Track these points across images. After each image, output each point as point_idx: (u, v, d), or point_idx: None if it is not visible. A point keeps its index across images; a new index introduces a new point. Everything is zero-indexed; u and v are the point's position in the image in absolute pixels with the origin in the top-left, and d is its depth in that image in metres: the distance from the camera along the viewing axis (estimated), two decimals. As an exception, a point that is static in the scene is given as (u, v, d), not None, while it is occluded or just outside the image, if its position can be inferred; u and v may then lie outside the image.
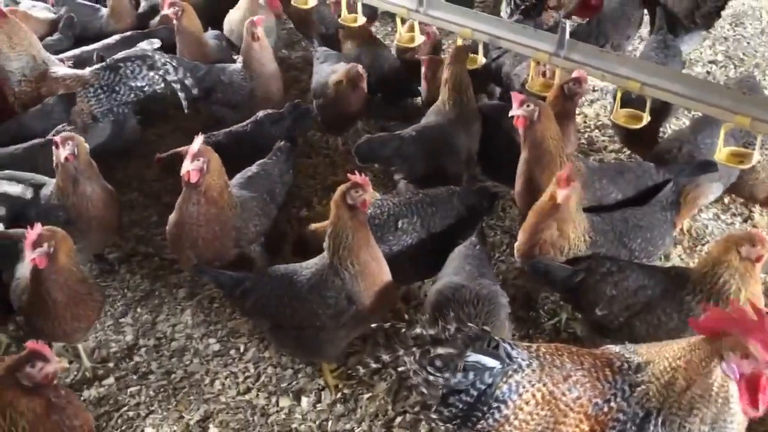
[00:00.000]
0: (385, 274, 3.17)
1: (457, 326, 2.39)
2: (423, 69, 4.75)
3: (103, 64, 4.68)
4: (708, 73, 6.05)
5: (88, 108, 4.55)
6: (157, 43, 4.95)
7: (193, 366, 3.64)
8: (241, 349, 3.72)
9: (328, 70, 4.85)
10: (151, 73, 4.66)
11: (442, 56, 4.90)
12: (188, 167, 3.37)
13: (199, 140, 3.47)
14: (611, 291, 3.10)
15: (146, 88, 4.72)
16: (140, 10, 6.16)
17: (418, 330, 2.38)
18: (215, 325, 3.86)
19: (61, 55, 5.09)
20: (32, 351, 2.40)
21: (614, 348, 2.50)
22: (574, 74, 3.83)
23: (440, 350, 2.32)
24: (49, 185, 3.77)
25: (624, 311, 3.08)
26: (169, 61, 4.69)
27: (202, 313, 3.93)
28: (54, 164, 3.66)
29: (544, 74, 4.36)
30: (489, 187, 3.79)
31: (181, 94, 4.71)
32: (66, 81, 4.56)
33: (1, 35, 4.46)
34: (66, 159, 3.56)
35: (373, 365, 3.39)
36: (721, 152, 3.69)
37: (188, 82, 4.70)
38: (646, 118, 3.96)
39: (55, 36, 5.62)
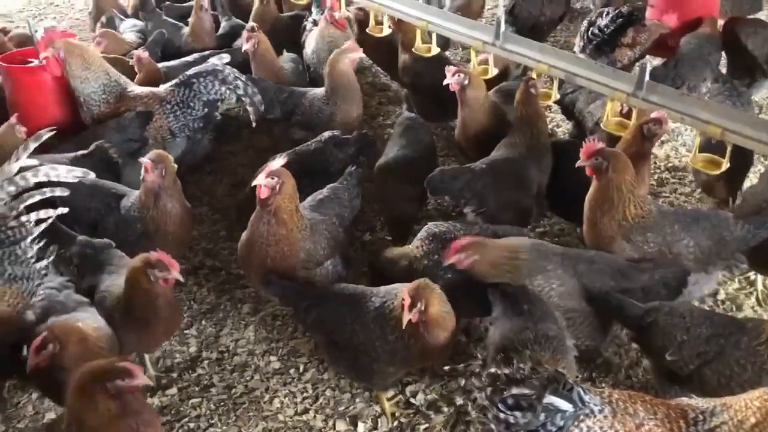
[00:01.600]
0: (450, 317, 3.16)
1: (533, 367, 2.38)
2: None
3: (177, 80, 4.85)
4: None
5: (166, 124, 4.72)
6: (226, 58, 5.12)
7: (254, 382, 3.68)
8: (301, 369, 3.75)
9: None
10: (223, 88, 4.81)
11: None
12: (261, 182, 3.44)
13: (280, 160, 3.55)
14: (682, 336, 3.03)
15: (218, 103, 4.88)
16: (220, 31, 6.37)
17: (493, 369, 2.38)
18: (276, 343, 3.91)
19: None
20: (125, 369, 2.50)
21: (689, 399, 2.45)
22: (654, 114, 3.77)
23: (515, 390, 2.31)
24: (130, 196, 3.91)
25: (695, 359, 2.99)
26: (239, 76, 4.83)
27: (264, 329, 3.99)
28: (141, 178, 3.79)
29: (621, 112, 4.31)
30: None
31: (249, 109, 4.83)
32: (144, 99, 4.75)
33: (75, 59, 4.62)
34: (154, 182, 3.69)
35: (431, 396, 3.49)
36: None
37: (257, 98, 4.82)
38: (726, 165, 3.87)
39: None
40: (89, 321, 3.11)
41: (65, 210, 3.37)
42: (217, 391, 3.62)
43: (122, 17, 6.76)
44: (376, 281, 3.56)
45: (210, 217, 4.95)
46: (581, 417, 2.30)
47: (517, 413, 2.30)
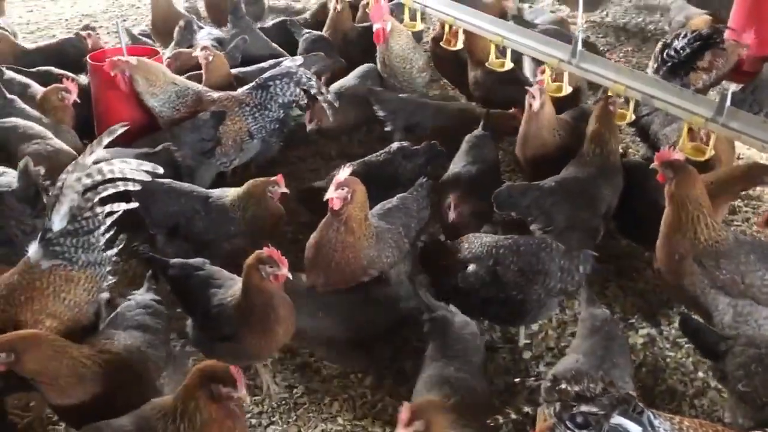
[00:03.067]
0: None
1: (604, 386, 2.37)
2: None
3: (254, 83, 5.01)
4: None
5: (245, 126, 4.86)
6: (299, 60, 5.26)
7: (314, 384, 3.75)
8: (360, 375, 3.79)
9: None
10: (297, 89, 4.97)
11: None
12: (332, 194, 3.51)
13: (346, 170, 3.61)
14: (757, 368, 2.95)
15: (293, 104, 5.05)
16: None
17: (563, 385, 2.37)
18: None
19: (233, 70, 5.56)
20: (231, 377, 2.57)
21: (762, 433, 2.41)
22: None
23: (584, 407, 2.30)
24: (222, 198, 4.08)
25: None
26: (312, 77, 5.00)
27: (326, 333, 4.06)
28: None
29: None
30: (590, 254, 3.62)
31: (324, 105, 4.99)
32: (223, 102, 4.90)
33: (139, 78, 4.79)
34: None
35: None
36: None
37: (330, 96, 5.00)
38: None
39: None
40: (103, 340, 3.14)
41: (136, 204, 3.52)
42: (279, 390, 3.69)
43: (200, 24, 6.96)
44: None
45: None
46: None
47: None
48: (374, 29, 5.44)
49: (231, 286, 3.45)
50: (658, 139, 4.70)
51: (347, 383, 3.74)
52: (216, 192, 4.18)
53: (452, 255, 3.75)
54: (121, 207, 3.41)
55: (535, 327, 4.03)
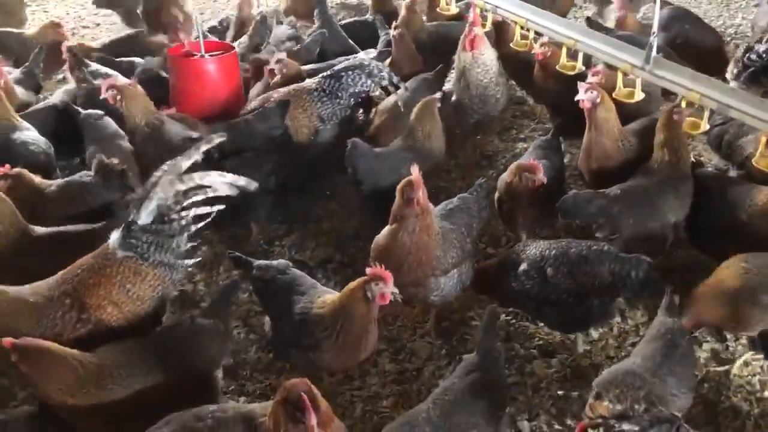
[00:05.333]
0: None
1: (647, 406, 2.37)
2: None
3: (327, 73, 5.15)
4: None
5: (316, 111, 4.99)
6: (373, 52, 5.35)
7: (371, 378, 3.82)
8: (415, 373, 3.84)
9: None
10: (369, 80, 5.08)
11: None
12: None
13: (415, 168, 3.64)
14: None
15: (363, 95, 5.15)
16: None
17: (606, 402, 2.39)
18: (395, 343, 4.04)
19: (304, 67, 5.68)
20: (304, 405, 2.44)
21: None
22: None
23: (625, 426, 2.30)
24: None
25: None
26: (383, 69, 5.13)
27: (385, 329, 4.11)
28: None
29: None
30: (645, 260, 3.56)
31: (394, 97, 5.14)
32: (290, 93, 5.05)
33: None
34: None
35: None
36: None
37: (401, 87, 5.12)
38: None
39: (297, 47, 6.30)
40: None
41: (222, 206, 3.52)
42: (333, 386, 3.74)
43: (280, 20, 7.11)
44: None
45: (339, 214, 5.16)
46: None
47: None
48: (470, 34, 5.12)
49: (314, 295, 3.47)
50: (733, 150, 4.57)
51: (402, 379, 3.81)
52: None
53: (509, 258, 3.81)
54: (208, 210, 3.46)
55: (595, 335, 3.99)
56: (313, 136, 5.04)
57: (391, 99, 5.25)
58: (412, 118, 4.79)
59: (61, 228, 3.91)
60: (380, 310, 3.31)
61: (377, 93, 5.33)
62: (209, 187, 3.40)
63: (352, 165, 4.49)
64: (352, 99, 5.10)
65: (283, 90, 5.11)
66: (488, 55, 5.19)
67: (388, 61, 5.88)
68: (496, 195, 4.40)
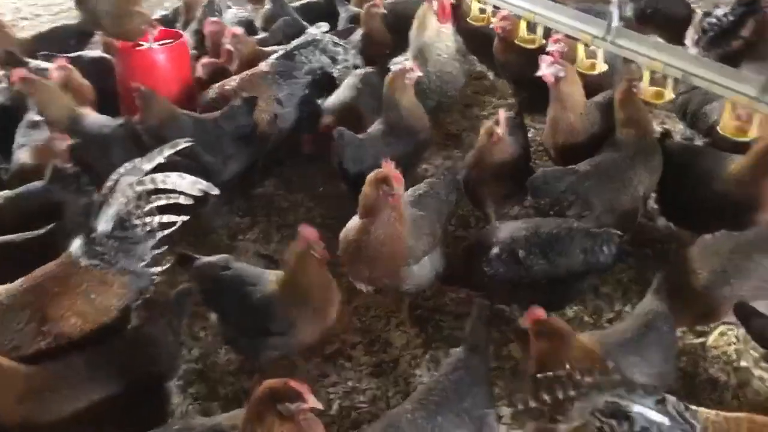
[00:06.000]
0: None
1: (621, 377, 2.33)
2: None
3: (279, 53, 4.97)
4: None
5: (273, 94, 4.81)
6: (324, 26, 5.18)
7: (346, 372, 3.72)
8: (392, 364, 3.75)
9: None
10: (323, 57, 4.93)
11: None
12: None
13: (389, 163, 3.50)
14: None
15: (319, 71, 4.98)
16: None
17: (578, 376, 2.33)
18: (369, 335, 3.93)
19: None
20: (296, 391, 2.43)
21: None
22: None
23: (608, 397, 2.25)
24: None
25: None
26: (338, 42, 4.97)
27: (358, 320, 4.02)
28: None
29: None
30: (615, 233, 3.52)
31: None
32: (245, 80, 4.86)
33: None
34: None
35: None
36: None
37: (357, 61, 4.99)
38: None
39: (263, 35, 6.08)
40: None
41: (187, 218, 3.39)
42: (310, 381, 3.65)
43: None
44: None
45: (305, 204, 5.01)
46: None
47: (613, 422, 2.24)
48: (441, 4, 5.02)
49: (264, 281, 3.38)
50: (697, 118, 4.54)
51: (379, 372, 3.71)
52: None
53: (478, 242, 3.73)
54: (173, 219, 3.34)
55: (570, 313, 3.95)
56: (273, 121, 4.86)
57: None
58: (384, 96, 4.56)
59: (4, 238, 3.67)
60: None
61: (335, 70, 5.11)
62: (171, 190, 3.25)
63: (339, 155, 4.33)
64: (308, 77, 4.94)
65: (237, 78, 4.92)
66: (450, 30, 5.06)
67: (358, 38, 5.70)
68: (463, 173, 4.30)
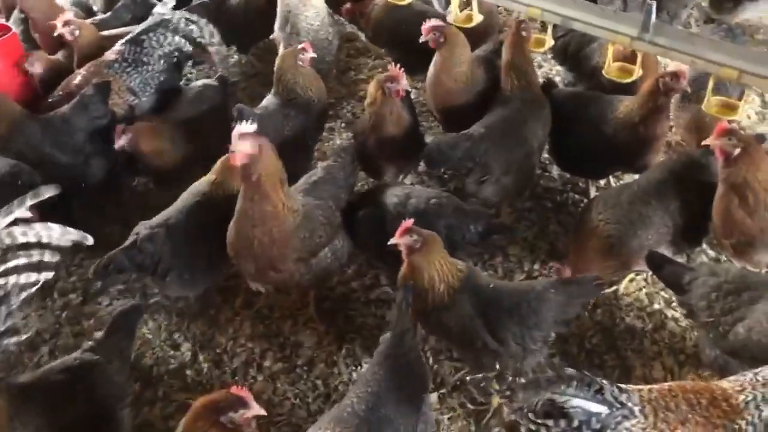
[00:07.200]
0: None
1: (555, 372, 2.25)
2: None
3: (126, 39, 4.49)
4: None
5: (124, 84, 4.33)
6: (171, 2, 4.75)
7: (259, 384, 3.43)
8: (306, 367, 3.50)
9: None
10: (177, 37, 4.51)
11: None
12: (237, 148, 2.99)
13: (249, 126, 3.06)
14: (716, 297, 2.88)
15: (176, 54, 4.55)
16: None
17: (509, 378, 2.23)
18: (277, 339, 3.65)
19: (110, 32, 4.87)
20: (239, 398, 2.38)
21: (734, 378, 2.37)
22: (671, 68, 3.52)
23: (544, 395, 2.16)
24: None
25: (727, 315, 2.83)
26: (191, 18, 4.54)
27: (262, 324, 3.72)
28: None
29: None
30: (485, 213, 3.50)
31: (212, 50, 4.62)
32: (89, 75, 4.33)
33: None
34: None
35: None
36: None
37: (216, 39, 4.59)
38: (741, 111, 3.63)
39: (109, 14, 5.36)
40: None
41: (50, 275, 2.82)
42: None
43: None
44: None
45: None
46: (619, 419, 2.20)
47: (549, 422, 2.18)
48: None
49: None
50: (578, 60, 4.46)
51: (294, 377, 3.46)
52: None
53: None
54: (33, 279, 2.76)
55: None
56: (130, 113, 4.35)
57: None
58: (276, 73, 4.18)
59: None
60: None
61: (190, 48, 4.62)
62: (35, 244, 2.72)
63: None
64: (163, 62, 4.47)
65: (82, 71, 4.36)
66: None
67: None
68: (356, 140, 4.03)
